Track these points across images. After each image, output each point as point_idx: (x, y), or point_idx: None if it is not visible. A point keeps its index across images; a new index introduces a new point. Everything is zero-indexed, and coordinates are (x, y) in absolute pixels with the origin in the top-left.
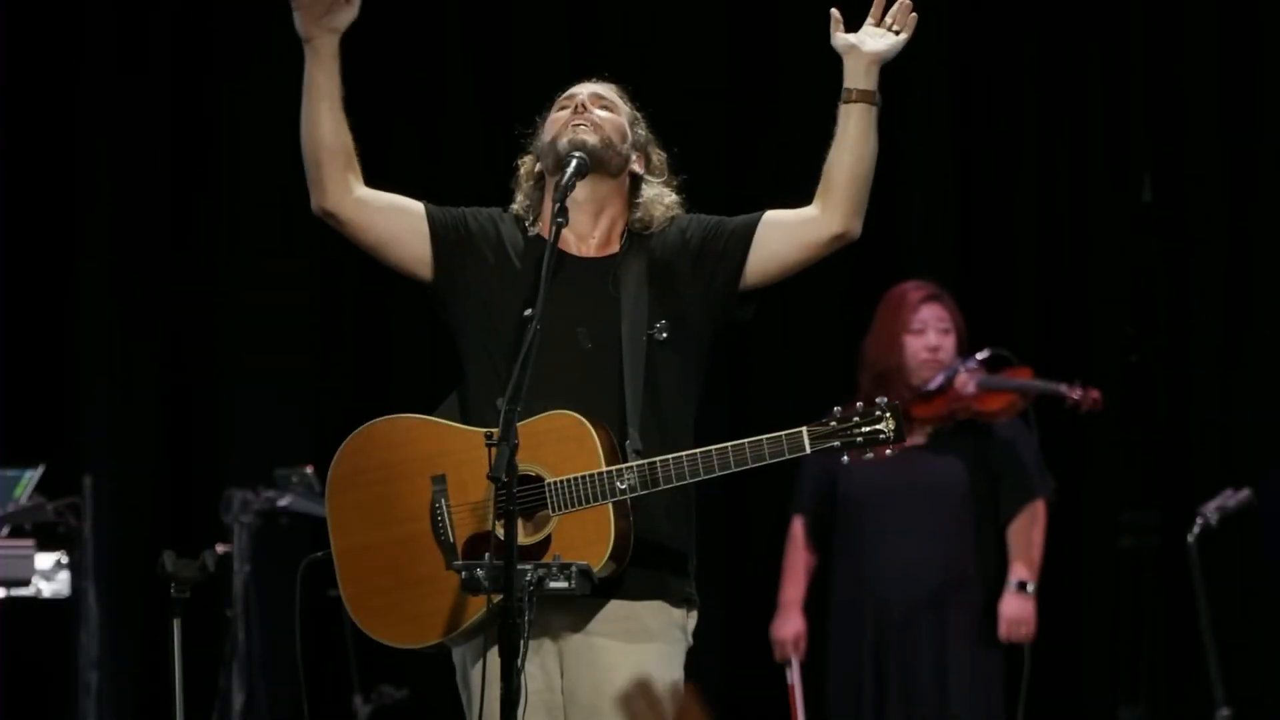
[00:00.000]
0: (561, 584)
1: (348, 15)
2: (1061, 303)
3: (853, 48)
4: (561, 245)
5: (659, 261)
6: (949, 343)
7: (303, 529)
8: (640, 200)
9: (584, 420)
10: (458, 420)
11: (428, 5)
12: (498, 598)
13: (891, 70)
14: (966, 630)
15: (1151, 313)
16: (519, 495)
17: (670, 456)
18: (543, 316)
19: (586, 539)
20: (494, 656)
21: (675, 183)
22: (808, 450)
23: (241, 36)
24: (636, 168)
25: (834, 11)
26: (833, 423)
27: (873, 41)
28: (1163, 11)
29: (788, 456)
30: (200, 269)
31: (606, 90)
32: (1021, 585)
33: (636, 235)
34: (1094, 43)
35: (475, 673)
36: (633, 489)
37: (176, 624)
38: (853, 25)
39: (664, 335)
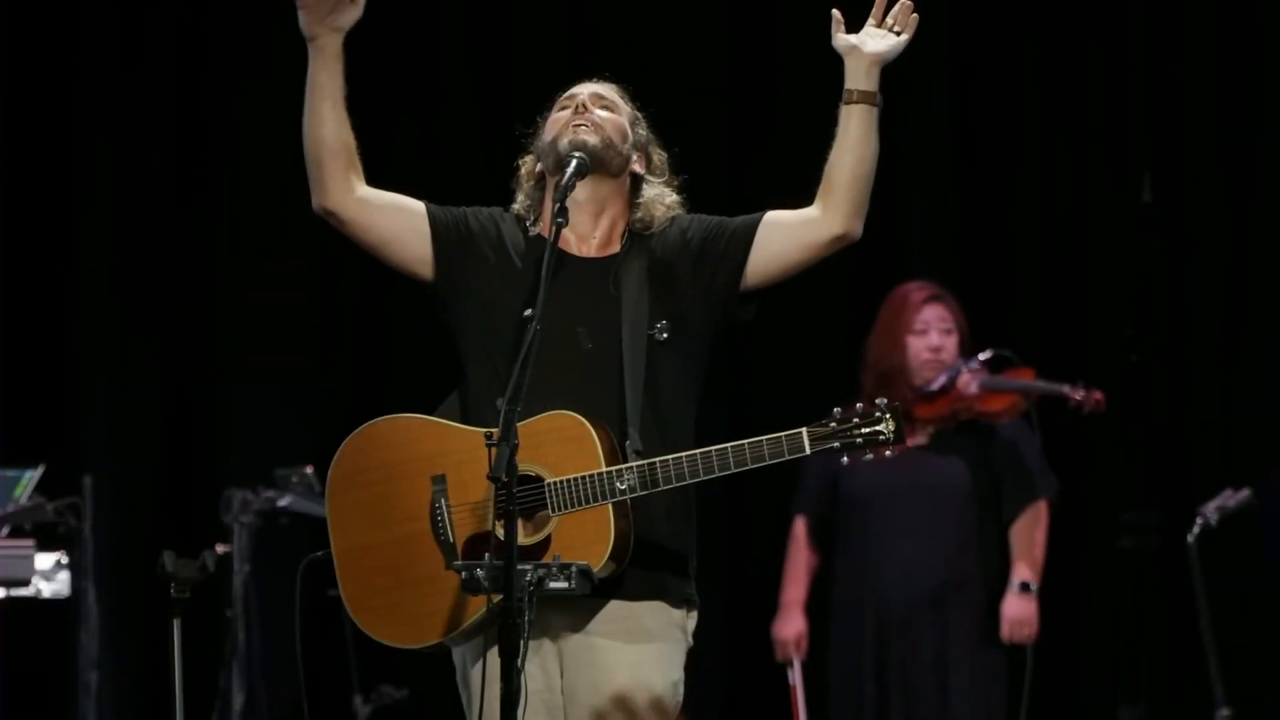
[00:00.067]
0: (561, 584)
1: (352, 15)
2: (1061, 303)
3: (854, 48)
4: (562, 245)
5: (660, 262)
6: (951, 343)
7: (303, 529)
8: (641, 200)
9: (584, 420)
10: (458, 420)
11: (428, 5)
12: (498, 598)
13: (892, 71)
14: (968, 631)
15: (1151, 313)
16: (519, 495)
17: (670, 457)
18: (543, 316)
19: (586, 539)
20: (494, 656)
21: (676, 183)
22: (808, 451)
23: (241, 36)
24: (637, 168)
25: (835, 12)
26: (833, 424)
27: (874, 42)
28: (1163, 11)
29: (788, 457)
30: (200, 269)
31: (607, 90)
32: (1024, 586)
33: (637, 235)
34: (1094, 43)
35: (475, 673)
36: (632, 489)
37: (176, 624)
38: (854, 26)
39: (664, 335)
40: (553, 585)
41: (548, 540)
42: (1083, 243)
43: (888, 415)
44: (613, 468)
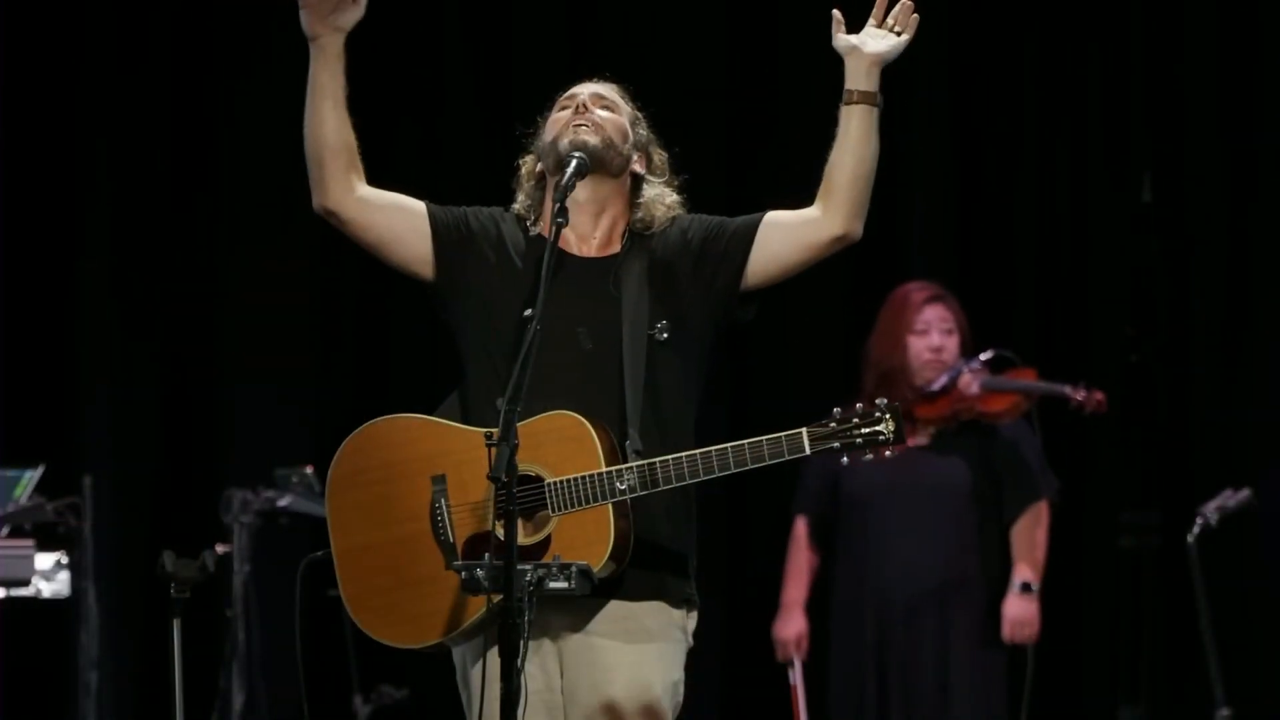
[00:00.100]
0: (561, 584)
1: (354, 14)
2: (1061, 303)
3: (854, 49)
4: (563, 245)
5: (660, 262)
6: (952, 343)
7: (303, 529)
8: (641, 200)
9: (584, 420)
10: (458, 420)
11: (428, 5)
12: (498, 598)
13: (892, 71)
14: (969, 631)
15: (1151, 313)
16: (519, 495)
17: (670, 457)
18: (543, 317)
19: (586, 539)
20: (494, 656)
21: (676, 183)
22: (807, 451)
23: (241, 36)
24: (638, 168)
25: (835, 13)
26: (832, 424)
27: (874, 43)
28: (1163, 11)
29: (787, 458)
30: (200, 269)
31: (608, 90)
32: (1025, 586)
33: (638, 235)
34: (1094, 43)
35: (475, 673)
36: (632, 489)
37: (176, 624)
38: (854, 26)
39: (665, 335)
40: (553, 585)
41: (548, 540)
42: (1083, 243)
43: (887, 415)
44: (613, 468)
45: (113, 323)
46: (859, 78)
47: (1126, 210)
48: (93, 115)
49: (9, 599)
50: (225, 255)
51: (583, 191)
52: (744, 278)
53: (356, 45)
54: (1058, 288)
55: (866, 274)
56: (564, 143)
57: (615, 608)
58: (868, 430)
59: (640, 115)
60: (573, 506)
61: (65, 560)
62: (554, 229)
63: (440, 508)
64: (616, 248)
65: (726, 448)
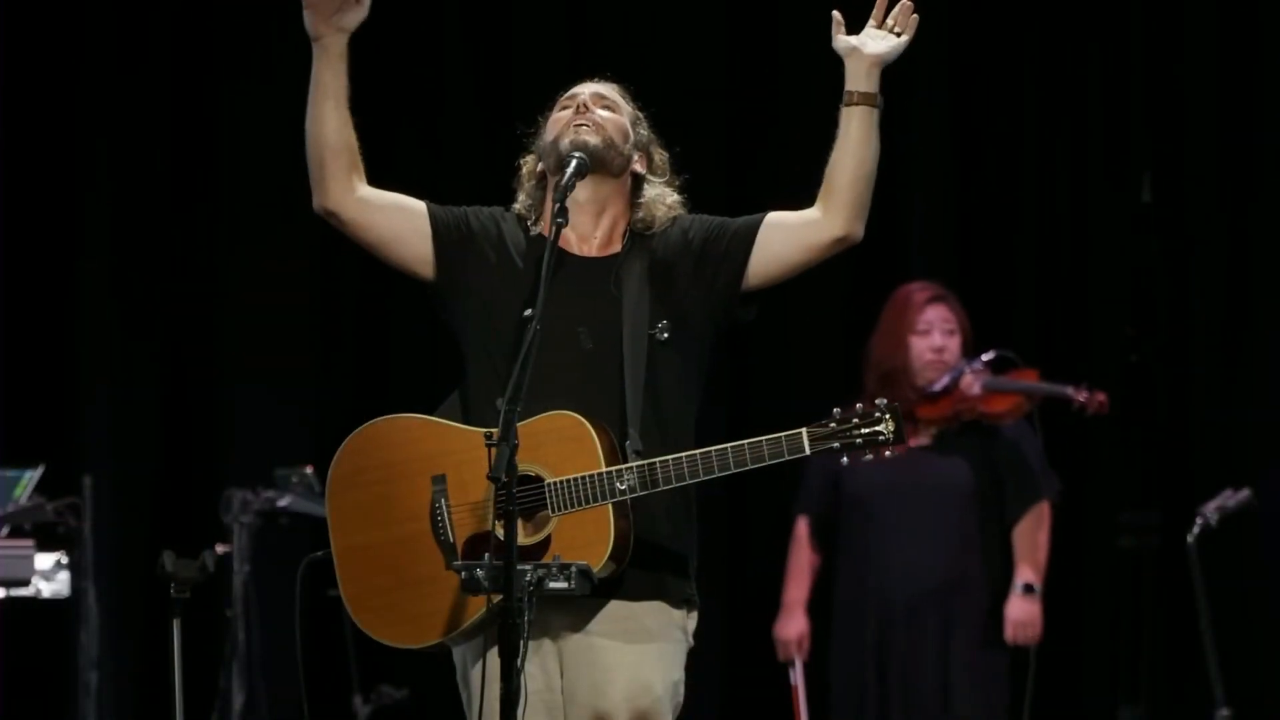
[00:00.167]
0: (561, 584)
1: (358, 15)
2: (1061, 303)
3: (854, 50)
4: (563, 245)
5: (661, 262)
6: (954, 344)
7: (303, 529)
8: (642, 200)
9: (584, 420)
10: (458, 420)
11: (428, 5)
12: (498, 598)
13: (892, 71)
14: (970, 631)
15: (1151, 313)
16: (519, 495)
17: (670, 457)
18: (543, 316)
19: (586, 539)
20: (494, 656)
21: (677, 183)
22: (807, 451)
23: (241, 36)
24: (638, 168)
25: (835, 14)
26: (832, 424)
27: (874, 44)
28: (1163, 11)
29: (787, 458)
30: (200, 269)
31: (608, 90)
32: (1027, 588)
33: (638, 235)
34: (1094, 43)
35: (475, 673)
36: (632, 489)
37: (176, 624)
38: (854, 27)
39: (665, 335)
40: (553, 585)
41: (548, 540)
42: (1083, 243)
43: (887, 415)
44: (613, 468)
45: (113, 323)
46: (859, 79)
47: (1126, 210)
48: (93, 115)
49: (9, 599)
50: (225, 255)
51: (583, 191)
52: (745, 278)
53: (357, 45)
54: (1058, 288)
55: (867, 274)
56: (565, 142)
57: (615, 608)
58: (867, 430)
59: (641, 115)
60: (573, 506)
61: (65, 560)
62: (554, 229)
63: (440, 508)
64: (617, 247)
65: (726, 448)
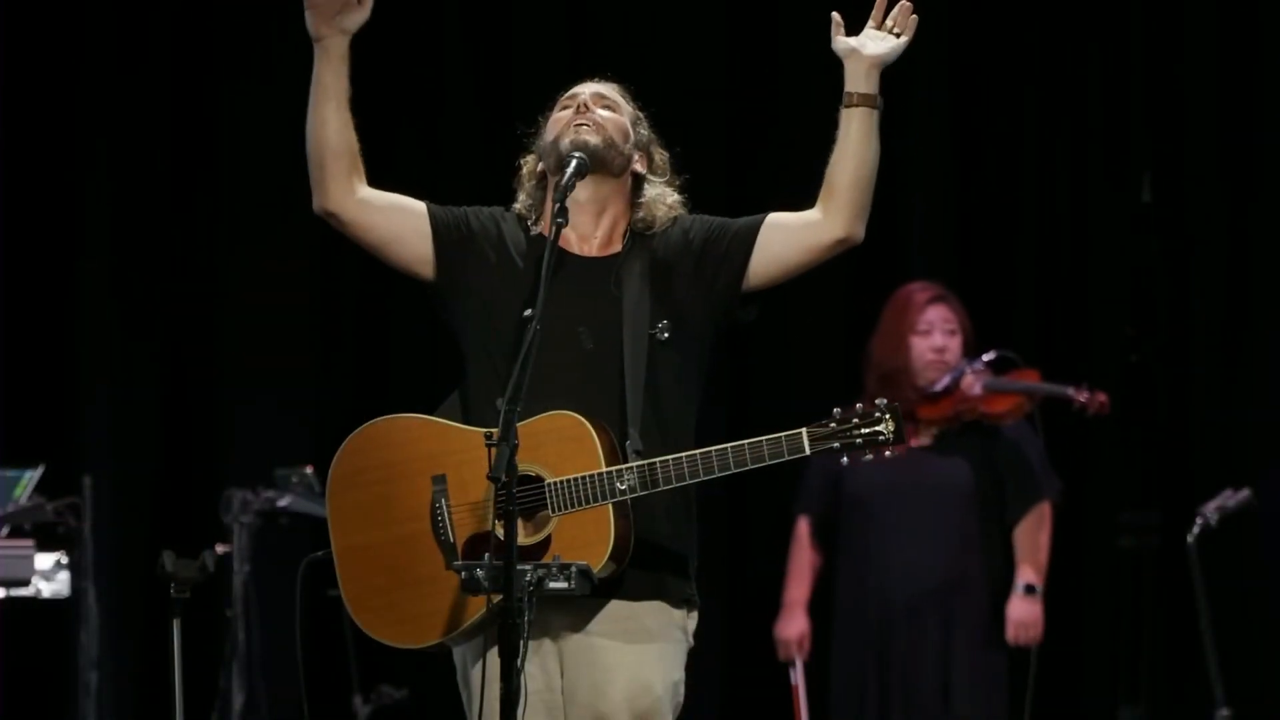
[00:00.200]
0: (561, 584)
1: (360, 16)
2: (1061, 303)
3: (853, 51)
4: (564, 245)
5: (661, 261)
6: (955, 344)
7: (303, 529)
8: (643, 200)
9: (584, 420)
10: (458, 420)
11: (428, 5)
12: (498, 598)
13: (892, 71)
14: (970, 631)
15: (1151, 313)
16: (519, 495)
17: (670, 457)
18: (543, 316)
19: (586, 539)
20: (494, 656)
21: (678, 182)
22: (807, 451)
23: (241, 36)
24: (639, 167)
25: (835, 15)
26: (832, 424)
27: (873, 45)
28: (1163, 11)
29: (787, 458)
30: (200, 269)
31: (609, 90)
32: (1029, 588)
33: (639, 235)
34: (1094, 43)
35: (475, 673)
36: (632, 489)
37: (176, 624)
38: (853, 28)
39: (666, 335)
40: (553, 585)
41: (548, 540)
42: (1083, 243)
43: (887, 415)
44: (613, 468)
45: (113, 323)
46: (858, 80)
47: (1126, 210)
48: (93, 115)
49: (9, 599)
50: (225, 255)
51: (584, 191)
52: (745, 279)
53: (357, 45)
54: (1058, 288)
55: (867, 274)
56: (565, 142)
57: (615, 608)
58: (867, 430)
59: (641, 115)
60: (573, 506)
61: (65, 560)
62: (554, 228)
63: (440, 507)
64: (618, 247)
65: (726, 448)
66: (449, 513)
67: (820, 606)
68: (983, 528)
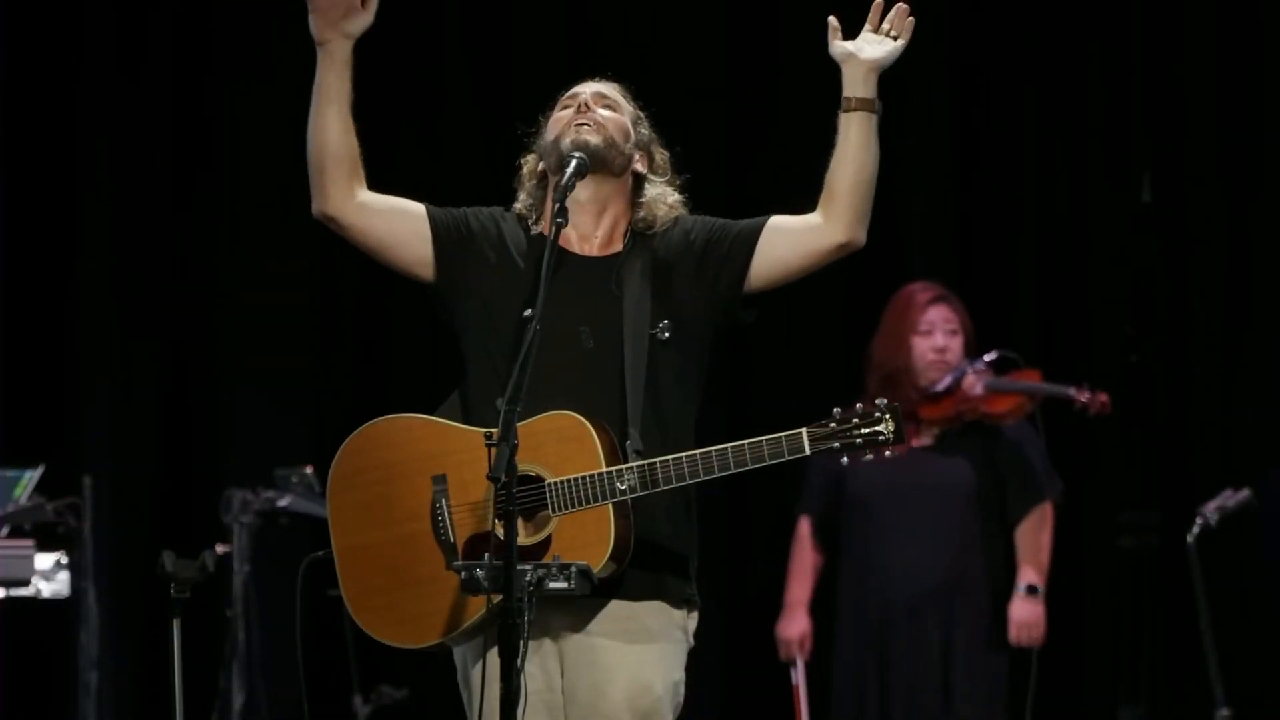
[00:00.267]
0: (561, 584)
1: (363, 20)
2: (1061, 303)
3: (851, 55)
4: (564, 244)
5: (662, 261)
6: (956, 344)
7: (303, 529)
8: (643, 200)
9: (584, 420)
10: (459, 420)
11: (428, 5)
12: (498, 598)
13: (891, 71)
14: (972, 632)
15: (1151, 313)
16: (519, 495)
17: (670, 457)
18: (543, 316)
19: (586, 539)
20: (494, 656)
21: (678, 182)
22: (807, 452)
23: (241, 36)
24: (639, 167)
25: (832, 20)
26: (832, 424)
27: (870, 49)
28: (1163, 11)
29: (787, 458)
30: (200, 269)
31: (610, 89)
32: (1031, 589)
33: (639, 235)
34: (1094, 43)
35: (475, 673)
36: (633, 489)
37: (176, 624)
38: (851, 32)
39: (666, 335)
40: (553, 585)
41: (548, 540)
42: (1083, 243)
43: (887, 415)
44: (613, 468)
45: (113, 323)
46: (856, 84)
47: (1126, 210)
48: (93, 115)
49: (9, 599)
50: (225, 255)
51: (584, 191)
52: (746, 281)
53: (357, 45)
54: (1058, 288)
55: (867, 275)
56: (565, 142)
57: (616, 608)
58: (867, 430)
59: (642, 114)
60: (573, 506)
61: (65, 560)
62: (554, 228)
63: (441, 507)
64: (618, 247)
65: (726, 448)
66: (449, 513)
67: (821, 607)
68: (984, 528)
